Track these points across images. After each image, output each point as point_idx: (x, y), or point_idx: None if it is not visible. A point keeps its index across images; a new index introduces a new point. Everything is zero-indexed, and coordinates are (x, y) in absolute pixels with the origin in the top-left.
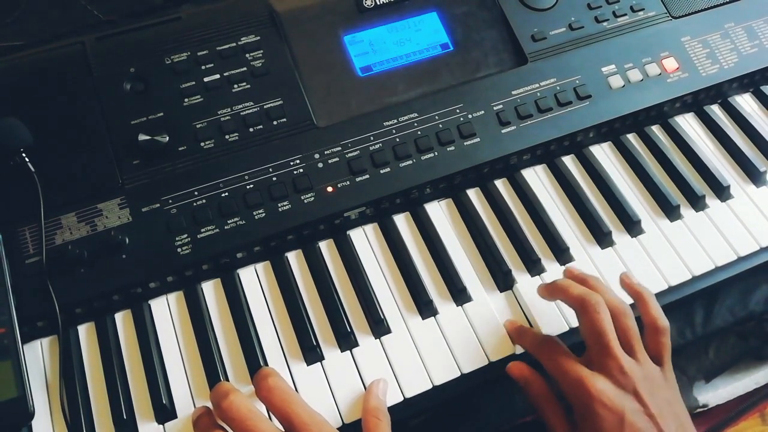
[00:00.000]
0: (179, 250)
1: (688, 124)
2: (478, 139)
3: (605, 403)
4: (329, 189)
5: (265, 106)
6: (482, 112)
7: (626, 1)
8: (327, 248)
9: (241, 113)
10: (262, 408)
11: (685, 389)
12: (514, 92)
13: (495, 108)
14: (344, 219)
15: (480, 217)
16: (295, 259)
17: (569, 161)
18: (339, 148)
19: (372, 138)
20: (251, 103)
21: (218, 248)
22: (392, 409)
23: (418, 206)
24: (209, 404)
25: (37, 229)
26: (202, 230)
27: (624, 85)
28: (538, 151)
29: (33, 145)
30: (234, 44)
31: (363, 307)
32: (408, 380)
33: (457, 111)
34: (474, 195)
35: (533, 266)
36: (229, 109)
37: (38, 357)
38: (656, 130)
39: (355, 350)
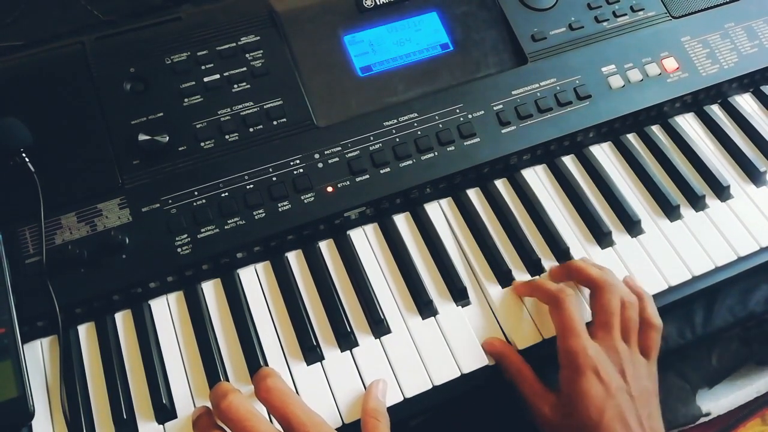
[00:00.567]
0: (179, 250)
1: (688, 124)
2: (478, 139)
3: (598, 372)
4: (329, 189)
5: (265, 106)
6: (482, 112)
7: (626, 1)
8: (327, 248)
9: (241, 113)
10: (262, 408)
11: (688, 399)
12: (514, 92)
13: (495, 108)
14: (344, 219)
15: (480, 217)
16: (295, 259)
17: (569, 161)
18: (339, 148)
19: (372, 138)
20: (251, 103)
21: (218, 248)
22: (392, 409)
23: (418, 206)
24: (209, 404)
25: (37, 229)
26: (202, 230)
27: (624, 85)
28: (538, 151)
29: (33, 145)
30: (234, 44)
31: (363, 307)
32: (408, 380)
33: (457, 111)
34: (474, 195)
35: (533, 266)
36: (229, 109)
37: (38, 357)
38: (656, 130)
39: (355, 350)
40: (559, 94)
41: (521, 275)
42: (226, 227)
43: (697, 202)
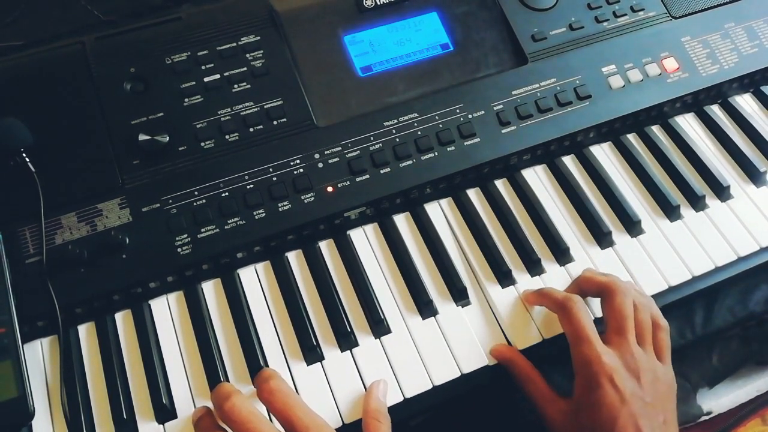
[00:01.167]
0: (179, 250)
1: (688, 124)
2: (478, 139)
3: (613, 379)
4: (329, 189)
5: (265, 106)
6: (482, 112)
7: (626, 1)
8: (327, 248)
9: (241, 113)
10: (263, 409)
11: (689, 398)
12: (514, 92)
13: (495, 108)
14: (344, 219)
15: (480, 217)
16: (295, 259)
17: (569, 161)
18: (339, 148)
19: (372, 138)
20: (251, 103)
21: (218, 248)
22: (392, 409)
23: (418, 206)
24: (209, 404)
25: (37, 229)
26: (202, 230)
27: (624, 85)
28: (538, 151)
29: (33, 145)
30: (234, 44)
31: (363, 307)
32: (408, 380)
33: (457, 111)
34: (474, 195)
35: (533, 266)
36: (229, 109)
37: (38, 357)
38: (656, 130)
39: (355, 350)
40: (559, 94)
41: (521, 275)
42: (226, 227)
43: (697, 202)
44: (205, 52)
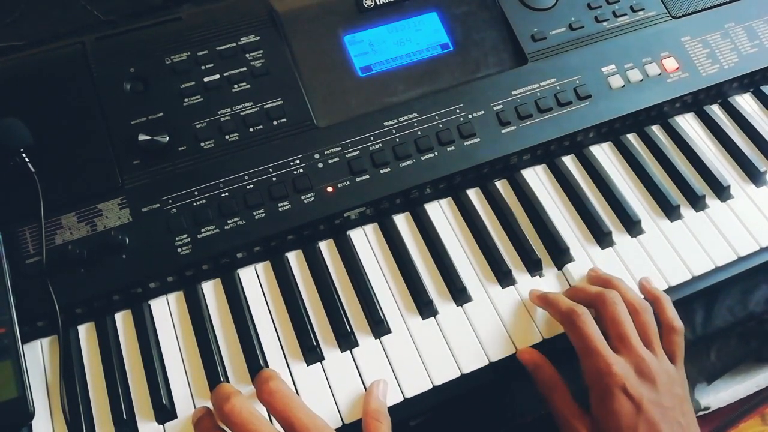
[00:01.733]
0: (179, 250)
1: (688, 124)
2: (478, 139)
3: (626, 389)
4: (329, 189)
5: (265, 106)
6: (482, 112)
7: (626, 1)
8: (327, 248)
9: (241, 113)
10: (262, 410)
11: None
12: (514, 92)
13: (495, 108)
14: (344, 219)
15: (480, 217)
16: (295, 259)
17: (569, 161)
18: (339, 148)
19: (372, 138)
20: (251, 103)
21: (218, 248)
22: (392, 409)
23: (418, 206)
24: (209, 404)
25: (37, 229)
26: (202, 230)
27: (624, 85)
28: (538, 151)
29: (33, 145)
30: (234, 44)
31: (363, 307)
32: (408, 380)
33: (457, 111)
34: (474, 195)
35: (533, 266)
36: (229, 109)
37: (38, 357)
38: (656, 130)
39: (355, 350)
40: (559, 94)
41: (521, 275)
42: (226, 227)
43: (697, 202)
44: (205, 52)
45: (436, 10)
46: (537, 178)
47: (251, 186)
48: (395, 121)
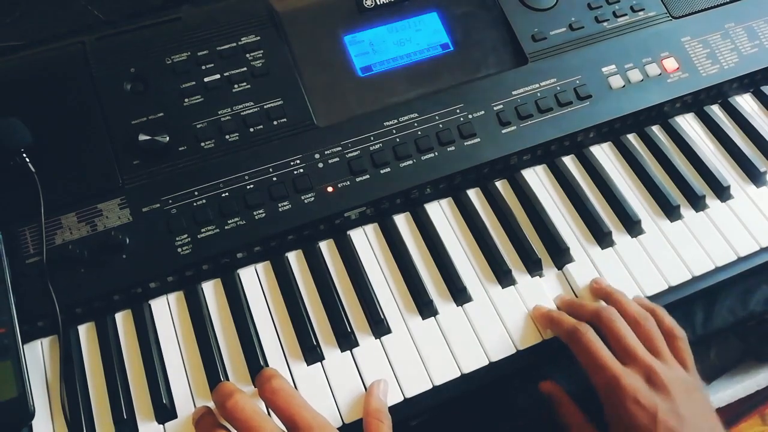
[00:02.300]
0: (179, 250)
1: (688, 124)
2: (478, 139)
3: (639, 401)
4: (329, 189)
5: (265, 106)
6: (482, 112)
7: (626, 1)
8: (327, 248)
9: (242, 113)
10: (264, 408)
11: None
12: (514, 92)
13: (495, 108)
14: (344, 219)
15: (480, 217)
16: (295, 259)
17: (569, 161)
18: (339, 148)
19: (372, 138)
20: (251, 103)
21: (218, 248)
22: (392, 409)
23: (418, 206)
24: (210, 404)
25: (37, 229)
26: (202, 230)
27: (624, 85)
28: (538, 151)
29: (33, 145)
30: (234, 44)
31: (363, 307)
32: (408, 380)
33: (457, 111)
34: (474, 195)
35: (533, 266)
36: (229, 109)
37: (38, 357)
38: (656, 130)
39: (355, 350)
40: (560, 94)
41: (521, 275)
42: (226, 227)
43: (697, 202)
44: (205, 52)
45: (436, 10)
46: (537, 178)
47: (251, 186)
48: (395, 121)
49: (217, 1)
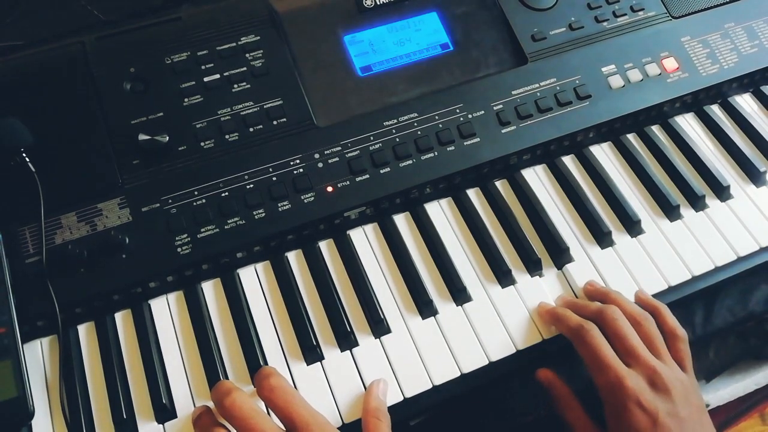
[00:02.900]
0: (179, 249)
1: (688, 124)
2: (478, 139)
3: (641, 403)
4: (329, 189)
5: (265, 106)
6: (482, 112)
7: (626, 1)
8: (327, 248)
9: (241, 113)
10: (262, 406)
11: None
12: (514, 92)
13: (495, 108)
14: (344, 219)
15: (480, 217)
16: (295, 259)
17: (569, 161)
18: (339, 148)
19: (372, 138)
20: (251, 103)
21: (218, 248)
22: (392, 409)
23: (418, 206)
24: (209, 404)
25: (37, 228)
26: (202, 230)
27: (624, 85)
28: (538, 151)
29: (33, 145)
30: (234, 44)
31: (363, 307)
32: (408, 380)
33: (457, 111)
34: (474, 195)
35: (533, 266)
36: (229, 109)
37: (38, 357)
38: (656, 130)
39: (355, 350)
40: (559, 94)
41: (521, 275)
42: (226, 227)
43: (697, 202)
44: (205, 52)
45: (436, 10)
46: (537, 178)
47: (251, 186)
48: (395, 120)
49: (217, 1)
